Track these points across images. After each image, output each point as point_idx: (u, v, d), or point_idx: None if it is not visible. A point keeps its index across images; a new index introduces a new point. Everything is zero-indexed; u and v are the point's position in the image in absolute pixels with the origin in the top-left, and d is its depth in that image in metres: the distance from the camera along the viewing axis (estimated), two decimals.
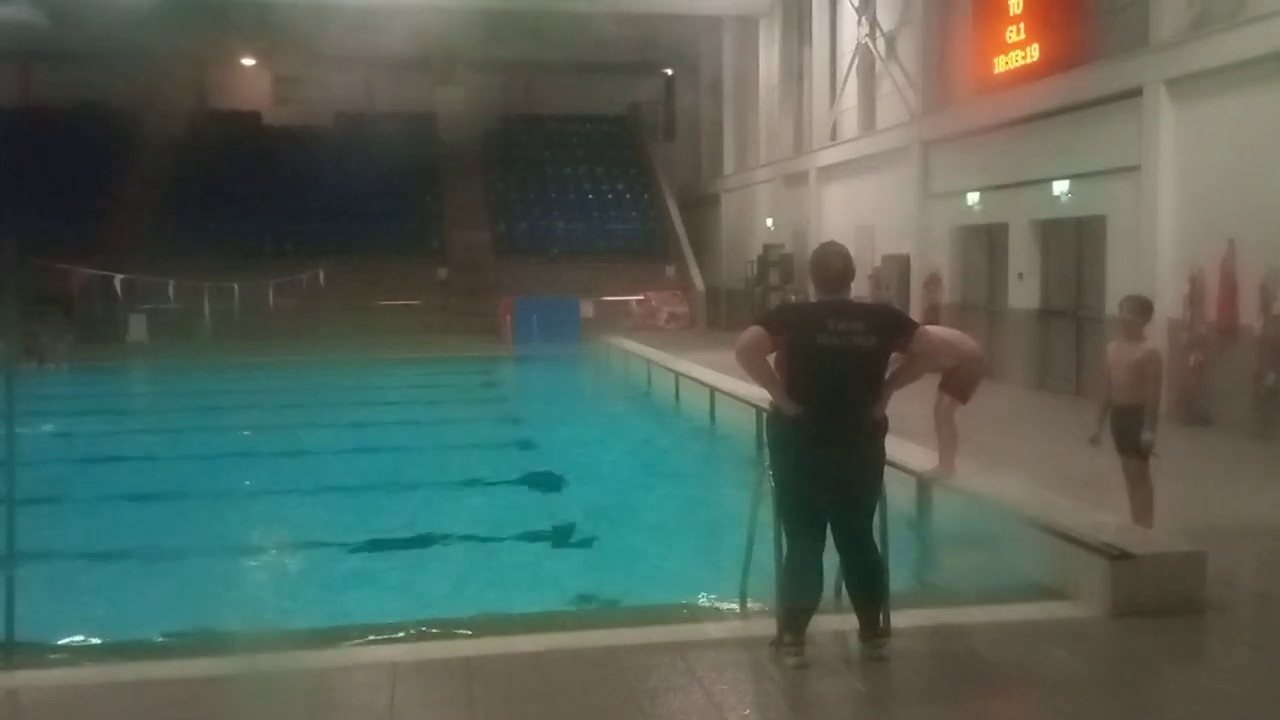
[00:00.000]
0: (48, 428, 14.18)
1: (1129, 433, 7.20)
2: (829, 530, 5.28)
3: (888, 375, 5.28)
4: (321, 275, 27.91)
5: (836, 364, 5.08)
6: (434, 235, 33.04)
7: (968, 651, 5.55)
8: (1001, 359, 17.22)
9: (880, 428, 5.26)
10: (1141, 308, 7.33)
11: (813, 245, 24.74)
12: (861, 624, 5.30)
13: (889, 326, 5.20)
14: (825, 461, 5.11)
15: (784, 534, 5.28)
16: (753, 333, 5.11)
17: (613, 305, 30.34)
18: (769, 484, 5.43)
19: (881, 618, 5.33)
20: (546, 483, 11.04)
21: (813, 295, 5.41)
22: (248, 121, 36.82)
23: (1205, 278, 12.44)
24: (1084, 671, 5.32)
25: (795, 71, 27.34)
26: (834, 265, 5.26)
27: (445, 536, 8.70)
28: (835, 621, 5.74)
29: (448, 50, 32.97)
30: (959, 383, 8.02)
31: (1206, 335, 12.41)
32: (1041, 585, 6.47)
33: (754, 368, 5.16)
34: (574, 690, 5.05)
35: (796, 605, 5.23)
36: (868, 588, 5.30)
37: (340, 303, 28.21)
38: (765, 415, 5.40)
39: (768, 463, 5.43)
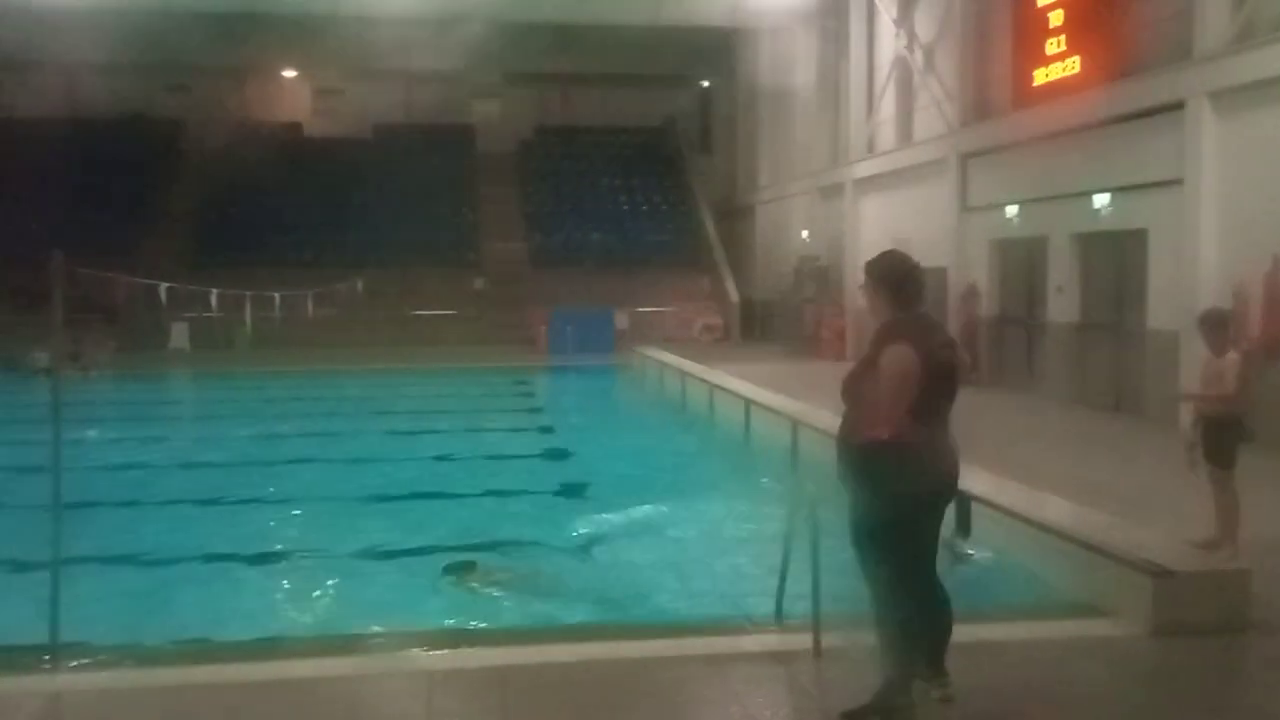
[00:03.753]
0: (91, 433, 14.37)
1: (1214, 443, 7.15)
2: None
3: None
4: (360, 285, 28.17)
5: (947, 383, 4.81)
6: (470, 246, 33.24)
7: (1005, 669, 5.50)
8: (1039, 373, 17.08)
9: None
10: (1211, 321, 7.30)
11: (848, 257, 24.76)
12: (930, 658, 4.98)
13: (956, 345, 5.06)
14: (944, 488, 4.85)
15: (903, 578, 4.77)
16: (910, 354, 4.65)
17: (647, 316, 30.38)
18: (874, 521, 4.77)
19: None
20: (578, 493, 11.06)
21: (876, 308, 4.95)
22: (288, 133, 37.25)
23: (1248, 293, 12.27)
24: (1125, 691, 5.25)
25: (832, 83, 27.28)
26: (918, 277, 4.93)
27: (477, 545, 8.72)
28: (873, 637, 5.70)
29: (485, 63, 33.18)
30: None
31: (1250, 351, 12.22)
32: (1080, 602, 6.41)
33: (906, 393, 4.64)
34: (609, 702, 5.05)
35: (918, 652, 4.90)
36: (945, 615, 5.01)
37: (378, 312, 28.48)
38: (877, 450, 4.65)
39: (877, 507, 4.73)
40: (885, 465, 4.65)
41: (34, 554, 5.88)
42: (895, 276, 4.90)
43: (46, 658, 5.50)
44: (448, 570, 7.83)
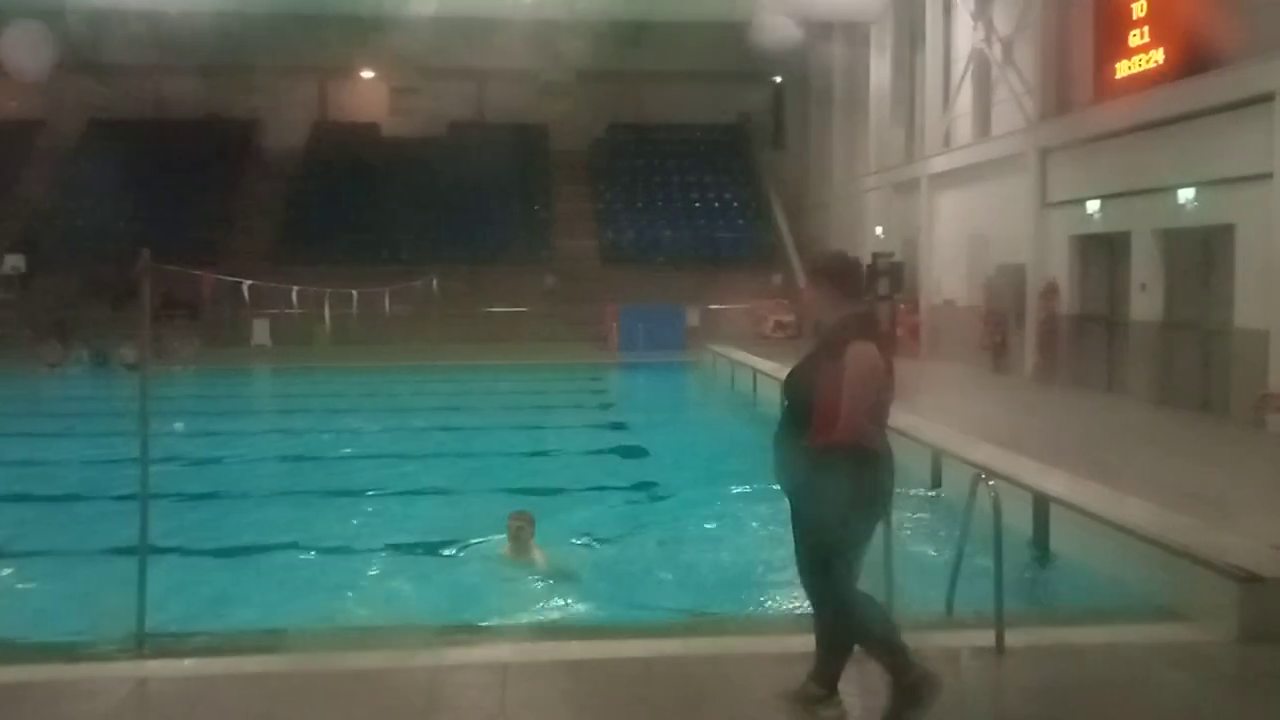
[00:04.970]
0: (178, 426, 14.76)
1: None
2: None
3: None
4: (435, 282, 28.51)
5: (890, 381, 4.62)
6: (543, 244, 33.45)
7: (1086, 673, 5.40)
8: (1121, 372, 16.72)
9: None
10: None
11: (924, 254, 24.45)
12: (825, 673, 4.80)
13: None
14: (890, 493, 4.68)
15: (844, 576, 4.59)
16: (874, 351, 4.49)
17: (719, 314, 30.29)
18: (832, 528, 4.52)
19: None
20: (653, 487, 11.10)
21: (817, 304, 4.79)
22: (366, 132, 37.80)
23: None
24: (1210, 698, 5.12)
25: (907, 78, 26.95)
26: (860, 272, 4.88)
27: (555, 539, 8.79)
28: (947, 639, 5.65)
29: (558, 61, 33.37)
30: None
31: None
32: (1164, 607, 6.26)
33: (869, 395, 4.46)
34: (682, 698, 5.05)
35: (897, 634, 4.66)
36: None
37: (452, 309, 28.80)
38: (834, 453, 4.44)
39: (838, 511, 4.47)
40: (847, 470, 4.42)
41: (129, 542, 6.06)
42: (836, 271, 4.76)
43: (133, 645, 5.66)
44: (510, 519, 7.93)
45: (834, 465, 4.41)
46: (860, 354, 4.43)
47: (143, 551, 5.74)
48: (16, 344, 25.67)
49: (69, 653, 5.78)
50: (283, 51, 32.83)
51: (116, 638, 5.77)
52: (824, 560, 4.57)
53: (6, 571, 8.17)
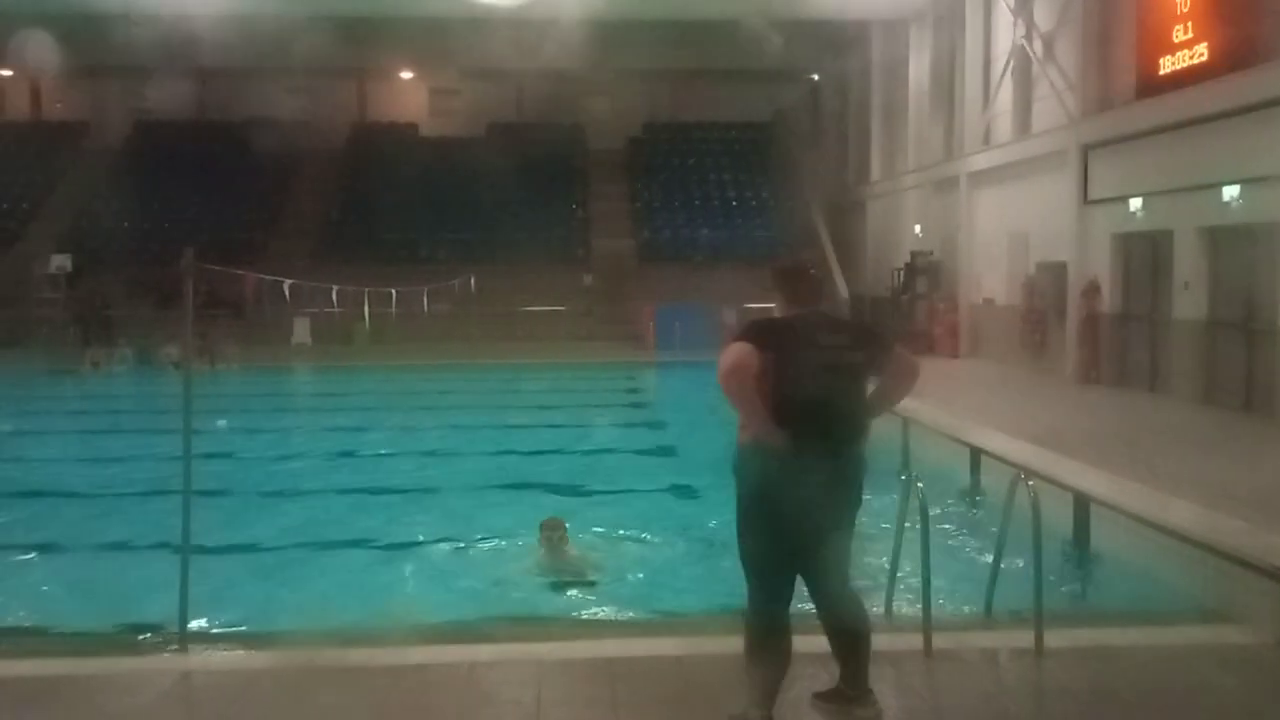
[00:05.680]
0: (221, 424, 14.93)
1: None
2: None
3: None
4: (473, 281, 28.68)
5: (828, 383, 4.53)
6: (580, 243, 33.53)
7: (1128, 675, 5.33)
8: (1164, 371, 16.51)
9: (864, 459, 4.76)
10: None
11: (963, 252, 24.26)
12: (848, 675, 4.77)
13: (871, 342, 4.76)
14: (814, 499, 4.52)
15: (753, 582, 4.67)
16: (741, 350, 4.47)
17: (755, 313, 30.16)
18: (736, 519, 4.70)
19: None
20: (688, 490, 11.10)
21: (778, 309, 4.84)
22: (405, 133, 38.06)
23: None
24: (1254, 701, 5.05)
25: (946, 75, 26.73)
26: (813, 274, 4.92)
27: (594, 536, 8.84)
28: (986, 639, 5.61)
29: (595, 60, 33.41)
30: None
31: None
32: (1207, 608, 6.19)
33: (744, 392, 4.46)
34: (716, 696, 5.05)
35: (767, 666, 4.63)
36: (853, 633, 4.75)
37: (490, 308, 28.95)
38: (739, 450, 4.66)
39: (739, 509, 4.68)
40: (740, 465, 4.64)
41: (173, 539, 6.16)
42: (779, 276, 4.85)
43: (176, 639, 5.75)
44: (542, 528, 8.01)
45: (738, 462, 4.66)
46: (722, 354, 4.52)
47: (185, 548, 5.83)
48: (62, 342, 26.10)
49: (112, 646, 5.88)
50: (323, 53, 33.11)
51: (160, 632, 5.86)
52: (740, 551, 4.69)
53: (50, 566, 8.32)
